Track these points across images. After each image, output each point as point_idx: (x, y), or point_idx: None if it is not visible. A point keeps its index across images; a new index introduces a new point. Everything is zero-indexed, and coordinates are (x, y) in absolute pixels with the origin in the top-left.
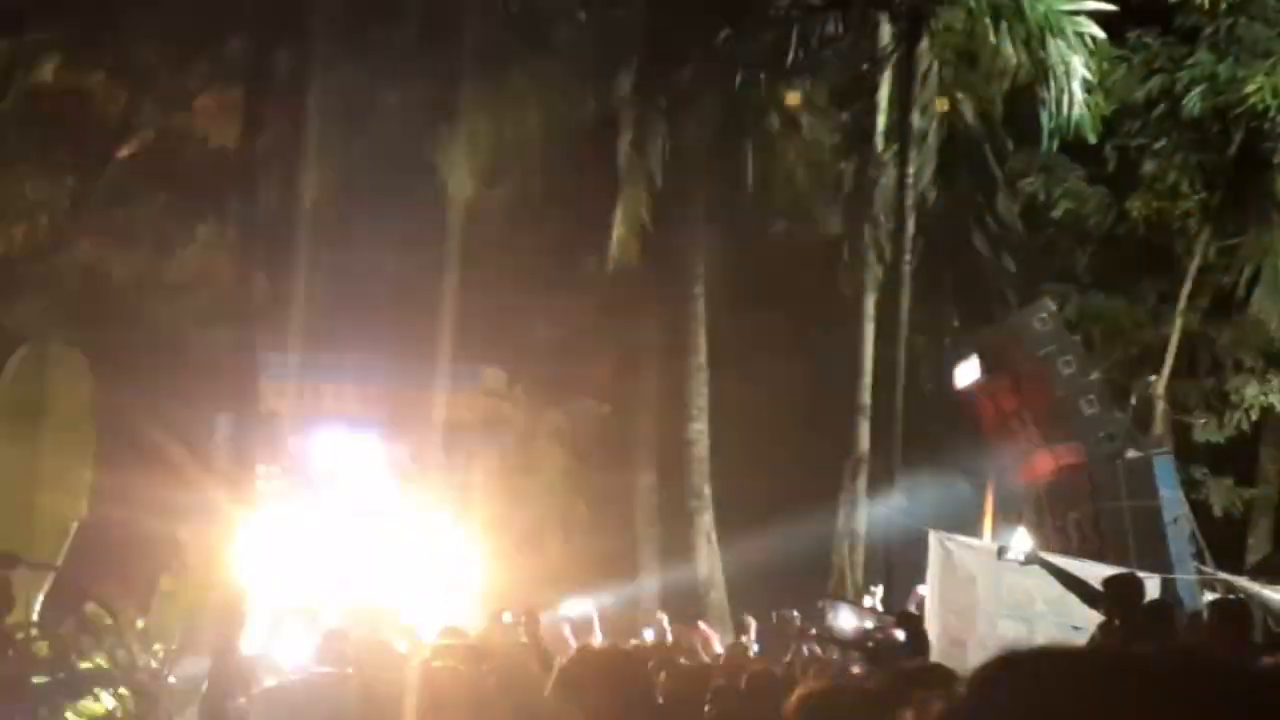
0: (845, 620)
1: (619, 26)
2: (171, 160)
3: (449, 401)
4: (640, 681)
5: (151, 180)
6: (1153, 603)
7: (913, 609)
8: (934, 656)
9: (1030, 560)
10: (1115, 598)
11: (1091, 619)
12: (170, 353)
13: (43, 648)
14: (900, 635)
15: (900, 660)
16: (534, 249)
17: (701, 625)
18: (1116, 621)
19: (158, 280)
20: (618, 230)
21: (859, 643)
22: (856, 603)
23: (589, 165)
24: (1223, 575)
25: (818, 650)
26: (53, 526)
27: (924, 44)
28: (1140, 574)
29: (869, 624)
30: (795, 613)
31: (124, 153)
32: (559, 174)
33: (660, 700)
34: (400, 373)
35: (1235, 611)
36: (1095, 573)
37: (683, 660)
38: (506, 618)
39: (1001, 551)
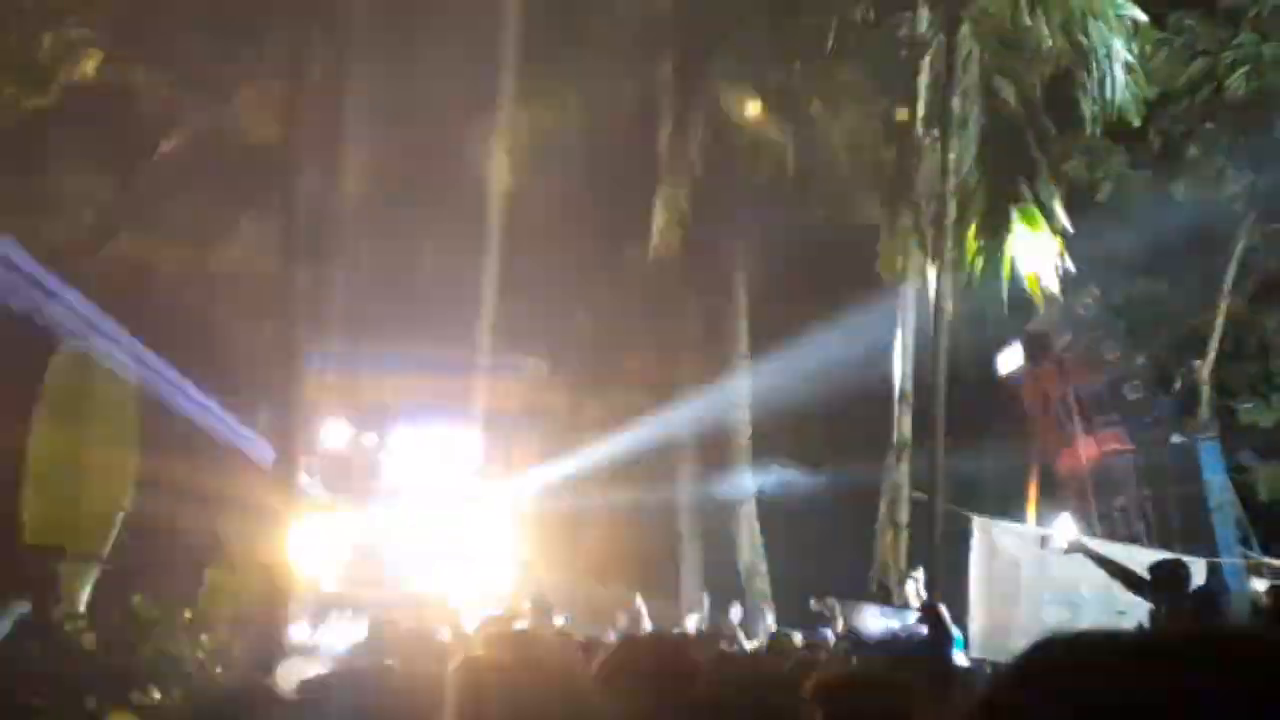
0: (870, 621)
1: (658, 15)
2: (214, 154)
3: (491, 391)
4: (687, 668)
5: (194, 175)
6: (1199, 589)
7: (913, 599)
8: (976, 641)
9: (1073, 549)
10: (1161, 584)
11: (1137, 604)
12: (213, 346)
13: (90, 640)
14: (923, 630)
15: (920, 657)
16: (575, 239)
17: (637, 600)
18: (1164, 608)
19: (201, 273)
20: (658, 220)
21: (885, 645)
22: (892, 595)
23: (629, 155)
24: (1270, 560)
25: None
26: (99, 519)
27: (964, 29)
28: (1186, 559)
29: (894, 623)
30: (835, 601)
31: (166, 147)
32: (599, 164)
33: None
34: (442, 363)
35: None
36: (1140, 558)
37: (722, 646)
38: (559, 620)
39: (1044, 541)
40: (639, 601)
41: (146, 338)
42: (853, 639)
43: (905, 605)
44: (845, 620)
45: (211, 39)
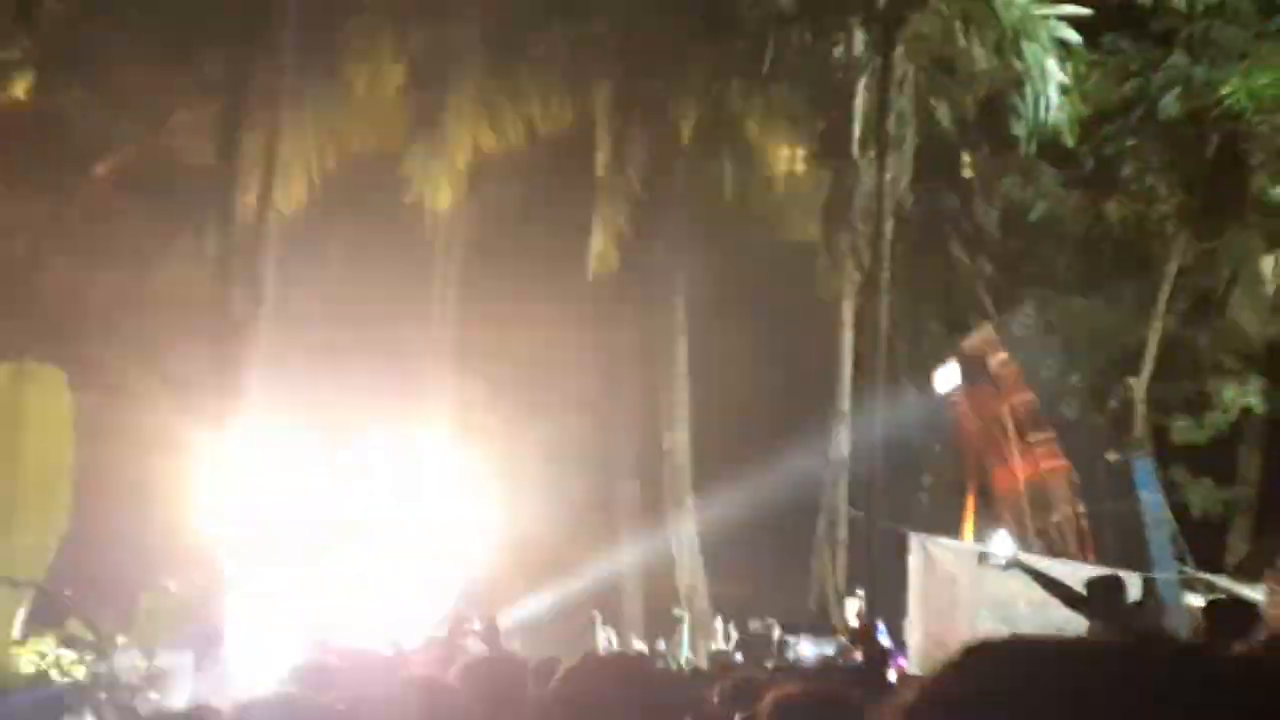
0: (806, 650)
1: (596, 37)
2: (149, 177)
3: (429, 412)
4: (649, 689)
5: (129, 198)
6: (1136, 603)
7: (852, 619)
8: (915, 657)
9: (1011, 564)
10: (1098, 599)
11: (1073, 620)
12: (148, 369)
13: (25, 665)
14: (856, 656)
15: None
16: (513, 260)
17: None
18: (1100, 623)
19: (136, 297)
20: (597, 240)
21: (823, 673)
22: (830, 614)
23: (568, 176)
24: (1204, 575)
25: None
26: (35, 544)
27: (898, 51)
28: (1122, 574)
29: (829, 651)
30: (773, 621)
31: (101, 170)
32: (538, 185)
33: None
34: (379, 384)
35: (1232, 611)
36: (1077, 574)
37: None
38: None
39: (983, 557)
40: (598, 622)
41: (81, 360)
42: (788, 668)
43: (845, 626)
44: (779, 651)
45: (145, 61)
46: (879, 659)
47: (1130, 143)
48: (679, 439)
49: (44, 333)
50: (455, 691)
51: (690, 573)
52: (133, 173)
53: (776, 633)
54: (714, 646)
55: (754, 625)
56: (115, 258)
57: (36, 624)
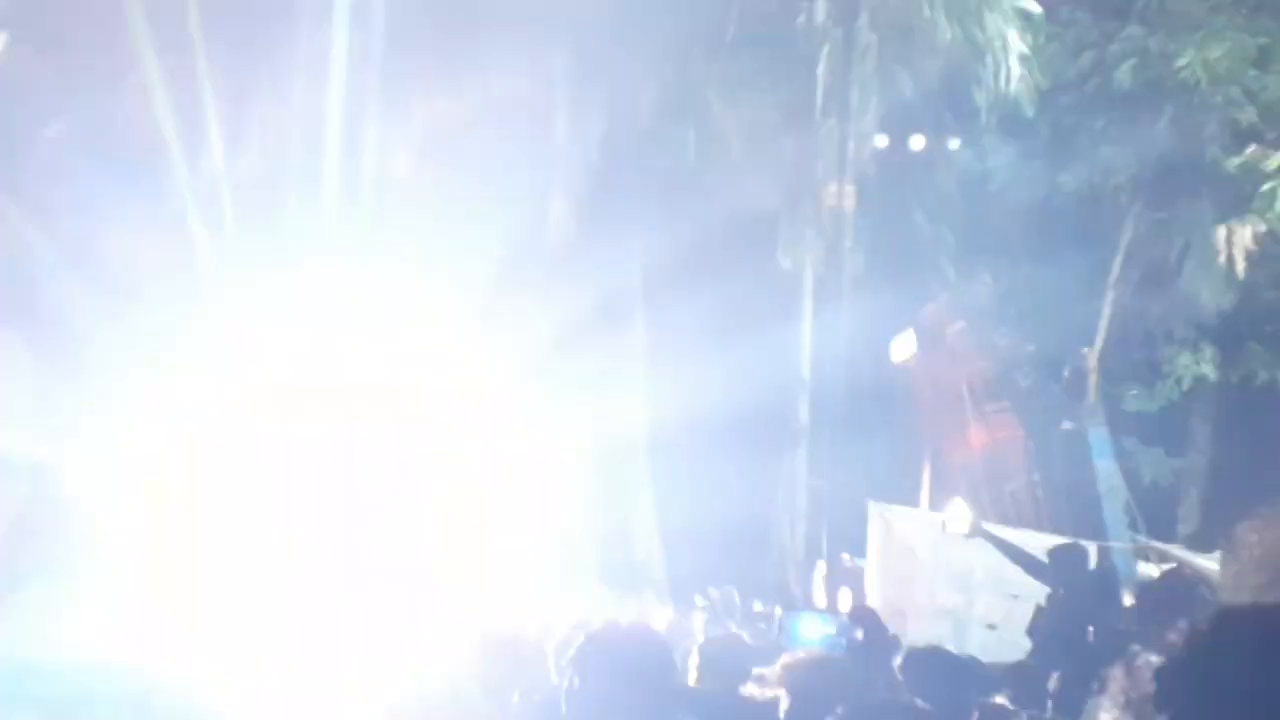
0: (809, 630)
1: (554, 4)
2: (103, 137)
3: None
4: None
5: (83, 158)
6: (1097, 572)
7: (820, 588)
8: None
9: (974, 533)
10: (1061, 568)
11: (1030, 587)
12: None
13: None
14: (859, 635)
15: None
16: (469, 229)
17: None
18: (1063, 591)
19: (90, 259)
20: (555, 208)
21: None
22: (790, 583)
23: (525, 144)
24: (1157, 544)
25: (761, 627)
26: None
27: (862, 19)
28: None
29: (831, 630)
30: (734, 589)
31: (53, 132)
32: (494, 153)
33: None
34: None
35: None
36: (1037, 543)
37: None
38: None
39: (945, 526)
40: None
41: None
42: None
43: (809, 599)
44: (781, 629)
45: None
46: (881, 638)
47: (1086, 114)
48: (636, 409)
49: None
50: None
51: (645, 544)
52: (87, 132)
53: (735, 597)
54: (671, 616)
55: (711, 595)
56: (68, 221)
57: None
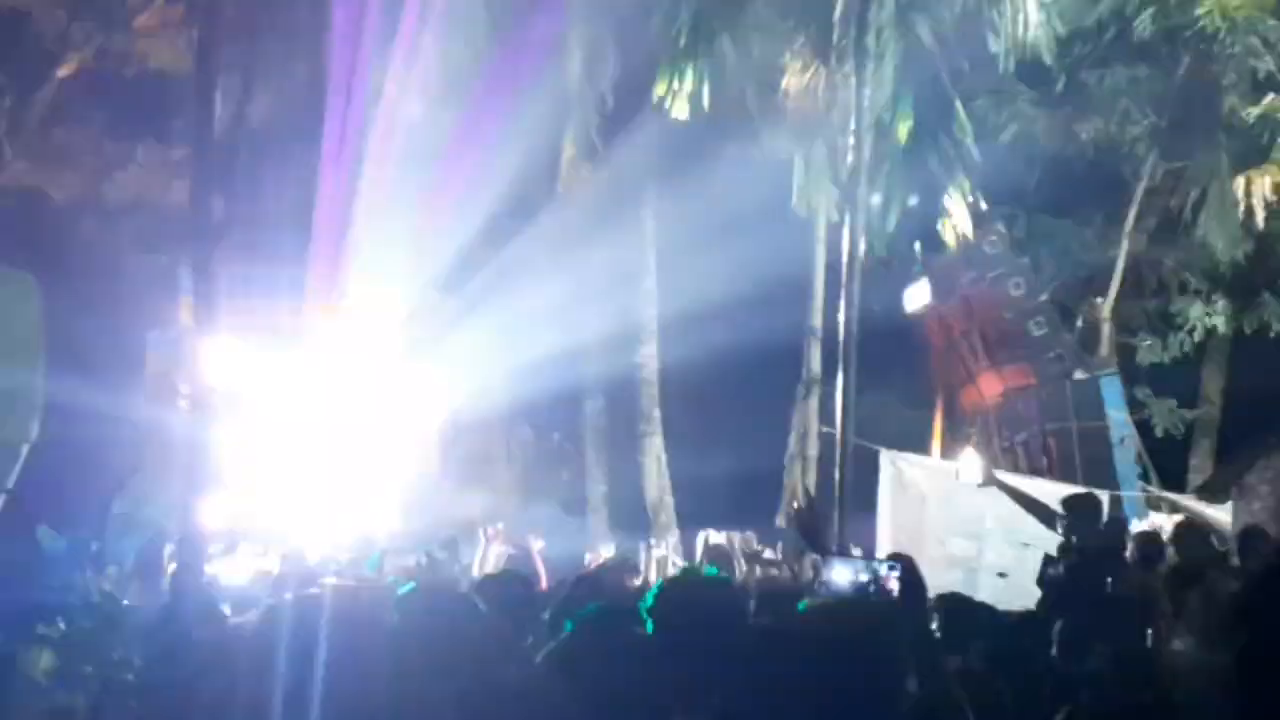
0: (840, 575)
1: None
2: (111, 81)
3: (389, 321)
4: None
5: (90, 101)
6: (1109, 521)
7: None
8: None
9: (988, 481)
10: (1075, 516)
11: (1042, 536)
12: (107, 275)
13: None
14: (894, 584)
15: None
16: (480, 172)
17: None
18: (1075, 539)
19: (97, 202)
20: (567, 154)
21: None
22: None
23: (538, 88)
24: (1168, 494)
25: (773, 572)
26: (3, 450)
27: None
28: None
29: (863, 576)
30: (750, 533)
31: (62, 73)
32: (507, 97)
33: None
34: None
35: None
36: (1049, 491)
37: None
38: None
39: (958, 474)
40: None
41: (41, 265)
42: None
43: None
44: (815, 573)
45: None
46: (919, 586)
47: (1104, 63)
48: (648, 354)
49: (3, 237)
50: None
51: (657, 486)
52: (95, 76)
53: (737, 544)
54: (678, 561)
55: (714, 539)
56: (75, 162)
57: (6, 532)
